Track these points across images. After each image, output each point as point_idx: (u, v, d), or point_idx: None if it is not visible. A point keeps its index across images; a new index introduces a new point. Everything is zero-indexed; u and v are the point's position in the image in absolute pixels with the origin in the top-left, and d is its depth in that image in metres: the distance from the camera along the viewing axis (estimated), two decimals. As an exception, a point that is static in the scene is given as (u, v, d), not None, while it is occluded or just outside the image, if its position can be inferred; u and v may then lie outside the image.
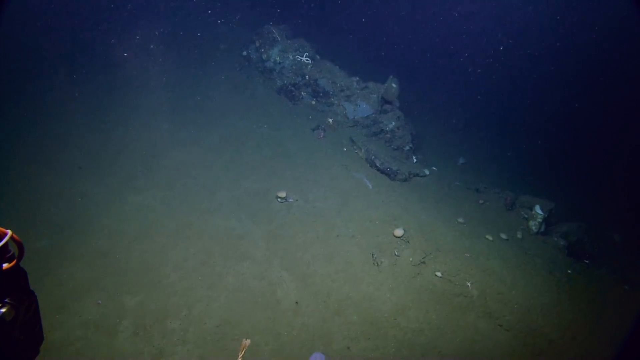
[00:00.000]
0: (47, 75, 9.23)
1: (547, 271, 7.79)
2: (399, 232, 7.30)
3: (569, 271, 8.12)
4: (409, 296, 6.43)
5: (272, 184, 8.29)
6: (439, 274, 6.74)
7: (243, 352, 3.64)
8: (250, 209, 7.58)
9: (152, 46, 11.15)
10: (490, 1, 18.47)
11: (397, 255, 6.98)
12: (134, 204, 6.74)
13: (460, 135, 14.80)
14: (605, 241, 11.12)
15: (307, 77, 10.55)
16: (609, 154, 14.77)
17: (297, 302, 6.09)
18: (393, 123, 10.13)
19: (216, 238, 6.78)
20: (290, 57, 10.65)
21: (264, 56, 11.14)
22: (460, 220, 8.36)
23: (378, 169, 9.07)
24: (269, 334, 5.51)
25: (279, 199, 7.88)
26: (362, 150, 9.50)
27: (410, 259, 6.92)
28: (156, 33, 12.25)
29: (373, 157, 8.96)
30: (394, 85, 10.02)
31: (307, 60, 10.49)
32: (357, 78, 11.27)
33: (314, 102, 10.79)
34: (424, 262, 6.91)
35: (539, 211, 8.84)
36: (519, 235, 8.73)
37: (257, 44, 11.43)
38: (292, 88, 10.83)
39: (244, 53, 12.16)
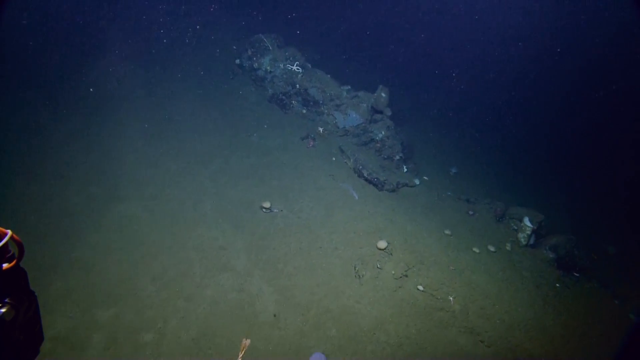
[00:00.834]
0: (31, 83, 9.33)
1: (534, 285, 7.69)
2: (382, 244, 7.25)
3: (557, 285, 8.02)
4: (390, 310, 6.36)
5: (258, 194, 8.28)
6: (420, 287, 6.68)
7: (243, 352, 3.64)
8: (234, 219, 7.57)
9: (141, 53, 11.25)
10: (486, 9, 18.48)
11: (380, 268, 6.93)
12: (116, 214, 6.75)
13: (455, 145, 14.74)
14: (599, 253, 11.01)
15: (297, 86, 10.57)
16: (605, 165, 14.65)
17: (275, 315, 6.05)
18: (383, 132, 10.10)
19: (198, 249, 6.77)
20: (281, 66, 10.68)
21: (255, 65, 11.18)
22: (447, 232, 8.28)
23: (366, 179, 9.03)
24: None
25: (264, 210, 7.87)
26: (351, 160, 9.48)
27: (393, 272, 6.86)
28: (150, 39, 12.37)
29: (361, 167, 8.93)
30: (383, 94, 10.01)
31: (297, 69, 10.52)
32: (348, 87, 11.27)
33: (304, 111, 10.80)
34: (406, 275, 6.85)
35: (528, 223, 8.74)
36: (508, 247, 8.64)
37: (250, 53, 11.49)
38: (283, 97, 10.86)
39: (237, 61, 12.22)
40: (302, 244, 7.32)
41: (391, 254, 7.17)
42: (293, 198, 8.34)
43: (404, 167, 10.52)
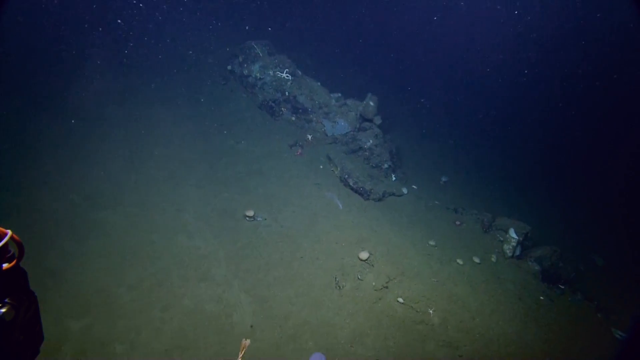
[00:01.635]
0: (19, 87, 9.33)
1: (517, 297, 7.65)
2: (364, 255, 7.21)
3: (541, 297, 7.98)
4: (369, 322, 6.32)
5: (243, 202, 8.26)
6: (400, 299, 6.64)
7: (243, 352, 3.62)
8: (217, 228, 7.54)
9: (129, 56, 11.26)
10: (482, 16, 18.56)
11: (360, 279, 6.89)
12: (96, 222, 6.72)
13: (447, 153, 14.74)
14: (587, 264, 10.98)
15: (286, 93, 10.58)
16: (598, 175, 14.65)
17: (251, 326, 6.00)
18: (371, 141, 10.09)
19: (177, 257, 6.73)
20: (271, 73, 10.69)
21: (245, 71, 11.20)
22: (432, 242, 8.25)
23: (351, 188, 9.01)
24: (218, 360, 5.43)
25: (247, 218, 7.84)
26: (338, 169, 9.46)
27: (373, 284, 6.83)
28: (145, 43, 12.39)
29: (346, 176, 8.91)
30: (371, 103, 10.01)
31: (287, 76, 10.53)
32: (339, 94, 11.29)
33: (293, 118, 10.81)
34: (386, 287, 6.81)
35: (513, 235, 8.72)
36: (493, 259, 8.60)
37: (240, 59, 11.50)
38: (273, 104, 10.86)
39: (229, 67, 12.24)
40: (283, 253, 7.28)
41: (372, 265, 7.14)
42: (278, 207, 8.32)
43: (393, 175, 10.51)
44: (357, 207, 8.66)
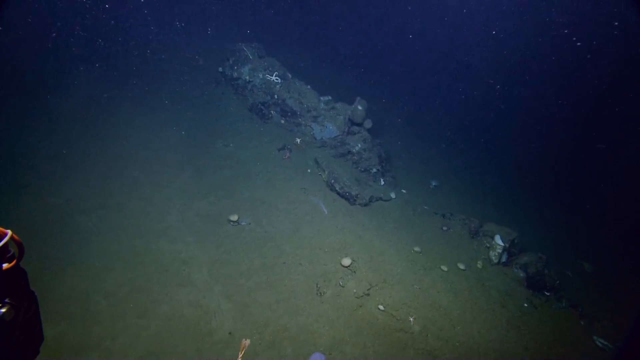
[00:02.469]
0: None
1: (501, 305, 7.65)
2: (346, 261, 7.20)
3: (525, 305, 7.98)
4: (348, 329, 6.31)
5: (228, 206, 8.23)
6: (381, 307, 6.62)
7: (243, 352, 3.60)
8: (200, 232, 7.51)
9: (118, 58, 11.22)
10: (478, 19, 18.52)
11: (342, 286, 6.87)
12: (77, 226, 6.69)
13: (439, 157, 14.72)
14: (575, 270, 10.98)
15: (275, 96, 10.55)
16: (588, 181, 14.65)
17: (230, 333, 5.98)
18: (359, 145, 10.07)
19: (158, 262, 6.70)
20: (260, 76, 10.66)
21: (235, 74, 11.17)
22: (417, 249, 8.24)
23: (338, 193, 8.99)
24: (193, 368, 5.41)
25: (231, 222, 7.82)
26: (326, 173, 9.44)
27: (354, 291, 6.81)
28: (134, 46, 12.35)
29: (333, 180, 8.89)
30: (360, 107, 9.98)
31: (276, 79, 10.49)
32: (329, 97, 11.25)
33: (283, 121, 10.78)
34: (368, 294, 6.80)
35: (499, 241, 8.70)
36: (479, 265, 8.59)
37: (231, 61, 11.46)
38: (262, 107, 10.83)
39: (220, 69, 12.20)
40: (266, 258, 7.26)
41: (355, 271, 7.13)
42: (263, 211, 8.29)
43: (381, 180, 10.49)
44: (343, 213, 8.64)
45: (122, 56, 11.51)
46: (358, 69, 16.88)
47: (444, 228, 9.44)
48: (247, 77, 10.75)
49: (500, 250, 8.62)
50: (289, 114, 10.55)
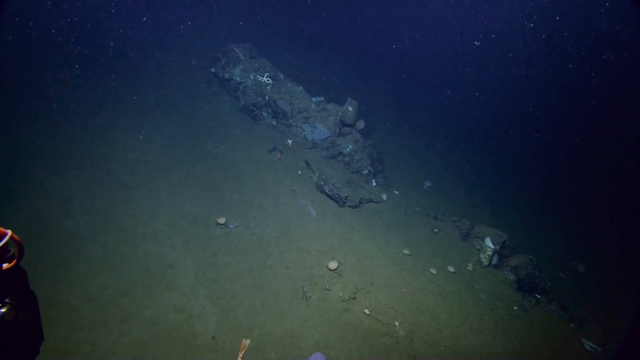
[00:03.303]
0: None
1: (489, 308, 7.60)
2: (333, 264, 7.17)
3: (515, 308, 7.93)
4: (333, 334, 6.28)
5: (216, 209, 8.21)
6: (367, 311, 6.59)
7: (243, 352, 3.59)
8: (187, 235, 7.49)
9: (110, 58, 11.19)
10: (475, 21, 18.40)
11: (328, 290, 6.85)
12: (61, 230, 6.68)
13: (435, 157, 14.65)
14: (568, 272, 10.92)
15: (267, 97, 10.50)
16: (585, 181, 14.55)
17: (213, 337, 5.96)
18: (350, 146, 10.02)
19: (143, 266, 6.68)
20: (251, 77, 10.61)
21: (227, 75, 11.12)
22: (406, 251, 8.20)
23: (327, 195, 8.95)
24: (175, 373, 5.39)
25: (219, 225, 7.79)
26: (316, 175, 9.40)
27: (340, 294, 6.78)
28: (126, 46, 12.32)
29: (322, 182, 8.85)
30: (350, 108, 9.93)
31: (267, 80, 10.44)
32: (321, 98, 11.20)
33: (274, 123, 10.74)
34: (353, 298, 6.77)
35: (489, 244, 8.65)
36: (470, 268, 8.55)
37: (223, 62, 11.42)
38: (254, 108, 10.79)
39: (212, 70, 12.16)
40: (253, 262, 7.24)
41: (341, 275, 7.10)
42: (251, 214, 8.27)
43: (373, 181, 10.44)
44: (332, 215, 8.61)
45: (111, 57, 11.47)
46: (354, 68, 16.80)
47: (435, 230, 9.39)
48: (238, 78, 10.71)
49: (490, 253, 8.57)
50: (280, 115, 10.51)
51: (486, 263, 8.63)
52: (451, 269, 8.21)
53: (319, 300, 6.70)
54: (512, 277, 8.48)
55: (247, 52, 11.18)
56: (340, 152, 10.26)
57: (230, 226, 7.86)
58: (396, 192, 10.82)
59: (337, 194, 8.74)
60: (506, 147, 15.75)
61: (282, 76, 11.10)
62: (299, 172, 9.81)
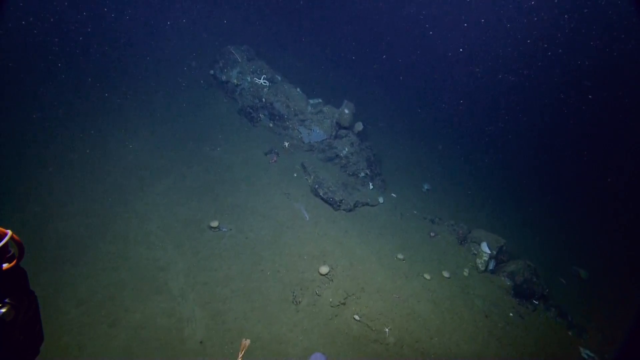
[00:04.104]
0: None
1: (484, 314, 7.48)
2: (324, 269, 7.12)
3: (511, 314, 7.80)
4: (322, 339, 6.23)
5: (210, 212, 8.20)
6: (357, 317, 6.53)
7: (243, 352, 3.59)
8: (180, 239, 7.50)
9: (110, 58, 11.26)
10: (477, 20, 18.16)
11: (318, 295, 6.80)
12: (54, 233, 6.73)
13: (435, 159, 14.50)
14: (570, 277, 10.72)
15: (263, 99, 10.48)
16: (590, 183, 14.28)
17: (201, 342, 5.96)
18: (346, 149, 9.95)
19: (134, 269, 6.70)
20: (248, 79, 10.59)
21: (224, 77, 11.13)
22: (400, 256, 8.11)
23: (322, 198, 8.89)
24: (161, 378, 5.39)
25: (212, 229, 7.79)
26: (311, 177, 9.35)
27: (330, 300, 6.73)
28: (127, 46, 12.40)
29: (317, 185, 8.80)
30: (346, 111, 9.86)
31: (264, 82, 10.42)
32: (319, 100, 11.14)
33: (271, 125, 10.72)
34: (344, 303, 6.70)
35: (485, 249, 8.52)
36: (466, 273, 8.43)
37: (221, 64, 11.43)
38: (251, 110, 10.78)
39: (211, 72, 12.18)
40: (244, 265, 7.22)
41: (332, 280, 7.04)
42: (244, 217, 8.25)
43: (370, 184, 10.36)
44: (326, 218, 8.55)
45: (109, 58, 11.55)
46: (354, 69, 16.70)
47: (432, 234, 9.28)
48: (235, 81, 10.71)
49: (486, 258, 8.44)
50: (277, 117, 10.49)
51: (482, 268, 8.50)
52: (446, 274, 8.10)
53: (309, 306, 6.66)
54: (508, 283, 8.34)
55: (244, 54, 11.17)
56: (337, 155, 10.20)
57: (223, 229, 7.85)
58: (394, 194, 10.73)
59: (332, 197, 8.69)
60: (507, 148, 15.53)
61: (279, 78, 11.07)
62: (295, 175, 9.77)
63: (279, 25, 16.60)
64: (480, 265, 8.49)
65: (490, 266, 8.63)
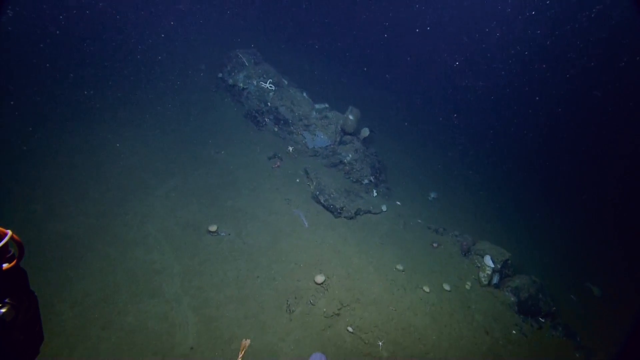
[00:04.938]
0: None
1: (484, 331, 7.23)
2: (320, 278, 7.01)
3: (514, 331, 7.52)
4: (313, 350, 6.11)
5: (209, 215, 8.21)
6: (350, 328, 6.40)
7: (243, 352, 3.59)
8: (178, 242, 7.52)
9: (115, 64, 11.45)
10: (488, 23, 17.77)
11: (312, 304, 6.69)
12: (52, 233, 6.84)
13: (446, 166, 14.21)
14: (581, 294, 10.30)
15: (269, 104, 10.47)
16: (606, 197, 13.72)
17: (192, 348, 5.93)
18: (350, 155, 9.83)
19: (130, 271, 6.75)
20: (254, 83, 10.61)
21: (231, 81, 11.18)
22: (399, 267, 7.93)
23: (322, 205, 8.80)
24: (148, 383, 5.39)
25: (210, 233, 7.79)
26: (314, 184, 9.27)
27: (324, 310, 6.61)
28: (136, 49, 12.62)
29: (318, 192, 8.70)
30: (351, 117, 9.74)
31: (270, 86, 10.41)
32: (325, 105, 11.07)
33: (276, 129, 10.69)
34: (338, 314, 6.58)
35: (488, 262, 8.25)
36: (468, 286, 8.18)
37: (229, 67, 11.49)
38: (256, 114, 10.79)
39: (220, 75, 12.26)
40: (240, 271, 7.19)
41: (327, 289, 6.93)
42: (243, 222, 8.22)
43: (374, 191, 10.21)
44: (325, 226, 8.44)
45: (118, 60, 11.75)
46: (364, 74, 16.56)
47: (434, 244, 9.06)
48: (242, 84, 10.74)
49: (489, 272, 8.17)
50: (282, 121, 10.46)
51: (485, 282, 8.23)
52: (447, 287, 7.88)
53: (302, 315, 6.56)
54: (512, 299, 8.05)
55: (251, 57, 11.20)
56: (341, 161, 10.09)
57: (222, 234, 7.84)
58: (398, 202, 10.54)
59: (332, 205, 8.58)
60: (519, 155, 15.09)
61: (286, 82, 11.05)
62: (297, 181, 9.70)
63: (290, 29, 16.62)
64: (483, 279, 8.22)
65: (494, 280, 8.35)
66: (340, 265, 7.48)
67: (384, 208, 9.73)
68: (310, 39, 16.13)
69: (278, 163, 9.93)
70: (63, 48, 11.01)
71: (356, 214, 8.95)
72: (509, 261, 8.66)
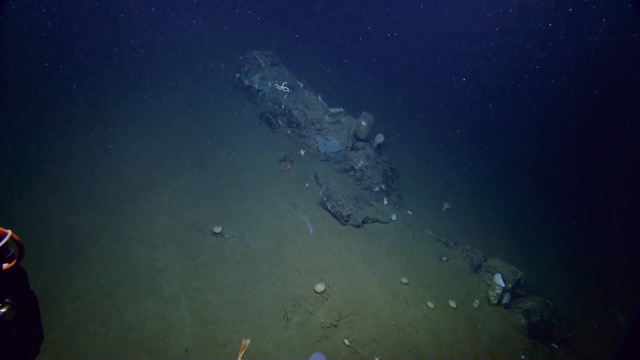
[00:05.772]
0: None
1: (489, 353, 6.91)
2: (320, 287, 6.88)
3: (522, 356, 7.14)
4: (308, 362, 6.00)
5: (215, 216, 8.23)
6: (346, 341, 6.23)
7: (243, 352, 3.62)
8: (182, 242, 7.56)
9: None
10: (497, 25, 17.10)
11: (311, 314, 6.57)
12: (62, 227, 7.01)
13: (463, 177, 13.77)
14: (605, 321, 9.68)
15: (282, 106, 10.43)
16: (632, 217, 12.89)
17: (186, 350, 5.93)
18: (362, 162, 9.65)
19: (133, 269, 6.82)
20: (269, 84, 10.60)
21: (247, 82, 11.22)
22: (404, 280, 7.69)
23: (329, 212, 8.66)
24: (140, 383, 5.41)
25: (215, 234, 7.80)
26: (322, 189, 9.15)
27: (322, 320, 6.48)
28: (154, 47, 12.88)
29: (325, 198, 8.57)
30: (364, 123, 9.55)
31: (284, 89, 10.37)
32: (340, 109, 10.93)
33: (289, 132, 10.64)
34: (335, 326, 6.43)
35: (499, 281, 7.88)
36: (476, 305, 7.85)
37: (246, 68, 11.54)
38: (270, 115, 10.78)
39: (237, 76, 12.33)
40: (240, 275, 7.15)
41: (327, 299, 6.79)
42: (249, 225, 8.20)
43: (385, 199, 9.98)
44: (331, 233, 8.30)
45: (137, 59, 12.02)
46: (383, 78, 16.30)
47: (443, 258, 8.76)
48: (257, 86, 10.75)
49: (499, 292, 7.80)
50: (295, 124, 10.40)
51: (495, 301, 7.87)
52: (453, 304, 7.58)
53: (300, 324, 6.45)
54: (523, 321, 7.66)
55: (268, 59, 11.21)
56: (352, 167, 9.92)
57: (226, 235, 7.83)
58: (409, 212, 10.27)
59: (339, 212, 8.43)
60: (540, 168, 14.44)
61: (301, 85, 10.98)
62: (307, 185, 9.60)
63: (310, 31, 16.56)
64: (492, 298, 7.87)
65: (505, 300, 7.97)
66: (342, 275, 7.32)
67: (393, 217, 9.49)
68: (340, 49, 16.02)
69: (288, 166, 9.86)
70: (82, 50, 11.35)
71: (364, 222, 8.77)
72: (522, 281, 8.26)
